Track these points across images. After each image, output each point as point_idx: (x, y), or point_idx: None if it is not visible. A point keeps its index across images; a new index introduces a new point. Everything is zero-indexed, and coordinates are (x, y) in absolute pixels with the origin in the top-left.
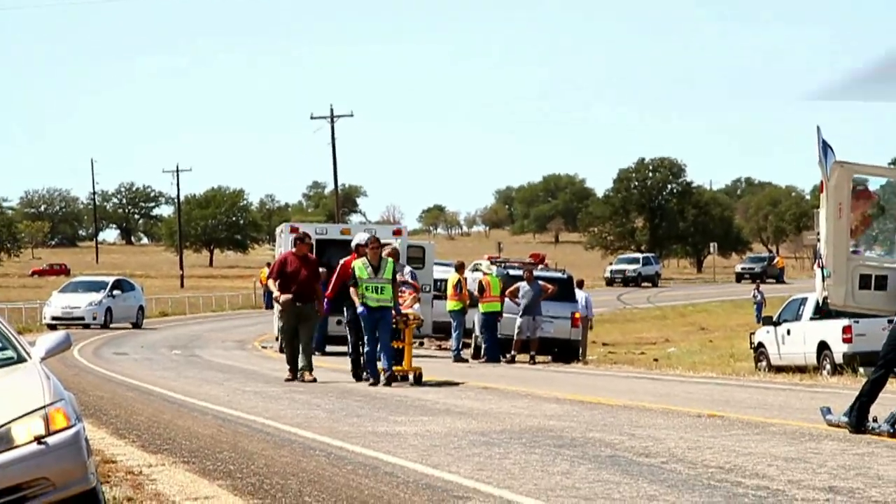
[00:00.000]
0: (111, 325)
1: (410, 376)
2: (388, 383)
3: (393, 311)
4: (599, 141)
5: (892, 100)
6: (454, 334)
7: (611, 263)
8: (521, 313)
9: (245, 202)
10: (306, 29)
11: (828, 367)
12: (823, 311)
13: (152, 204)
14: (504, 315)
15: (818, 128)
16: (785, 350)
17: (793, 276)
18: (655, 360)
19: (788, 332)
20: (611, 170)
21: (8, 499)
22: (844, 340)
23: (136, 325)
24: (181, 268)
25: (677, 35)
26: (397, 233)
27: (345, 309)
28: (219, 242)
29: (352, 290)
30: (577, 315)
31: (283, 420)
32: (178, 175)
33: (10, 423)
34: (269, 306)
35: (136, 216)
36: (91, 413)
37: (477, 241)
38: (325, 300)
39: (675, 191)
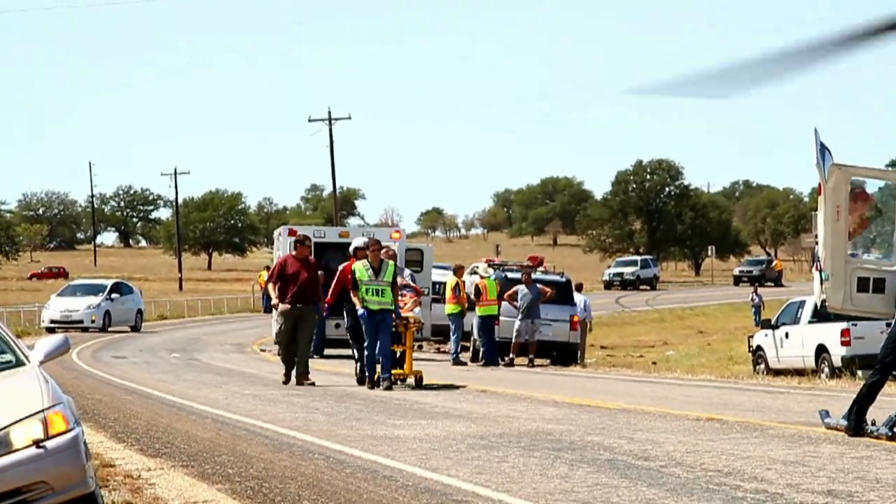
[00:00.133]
0: (110, 329)
1: (411, 379)
2: (388, 388)
3: (393, 315)
4: (597, 143)
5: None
6: (453, 337)
7: (609, 266)
8: (519, 316)
9: (243, 205)
10: (304, 31)
11: (826, 370)
12: (822, 314)
13: (150, 207)
14: (502, 318)
15: (816, 130)
16: (783, 353)
17: (791, 279)
18: (654, 363)
19: (787, 335)
20: (609, 172)
21: (7, 502)
22: (843, 343)
23: (135, 329)
24: (180, 271)
25: (676, 36)
26: (395, 235)
27: (345, 314)
28: (217, 245)
29: (352, 292)
30: (576, 318)
31: (282, 423)
32: (176, 178)
33: (8, 426)
34: (268, 310)
35: (135, 219)
36: (90, 417)
37: (475, 243)
38: (326, 305)
39: (672, 193)
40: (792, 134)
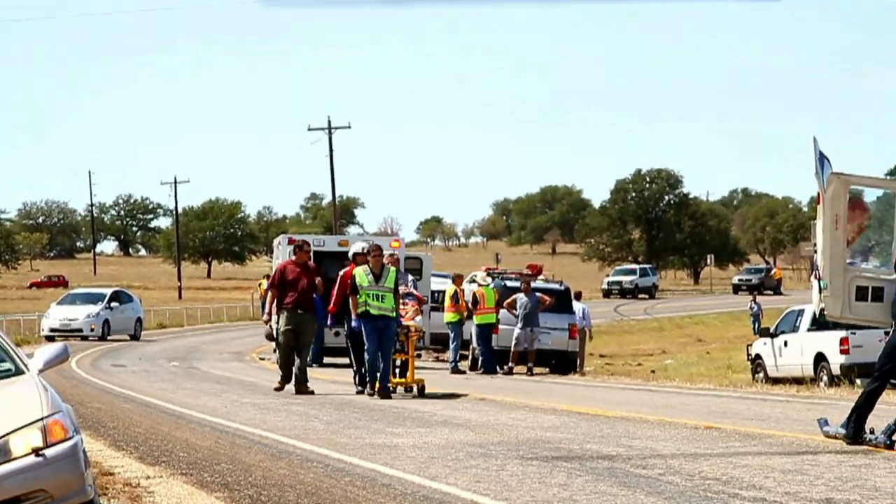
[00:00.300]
0: (109, 337)
1: (414, 388)
2: (384, 396)
3: (394, 322)
4: (596, 152)
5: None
6: (452, 346)
7: (608, 275)
8: (518, 325)
9: (243, 214)
10: (304, 41)
11: (825, 378)
12: (821, 323)
13: (150, 216)
14: (502, 327)
15: (815, 139)
16: (782, 361)
17: (790, 288)
18: (652, 371)
19: (786, 344)
20: (608, 181)
21: None
22: (842, 352)
23: (134, 337)
24: (179, 279)
25: (675, 46)
26: (395, 244)
27: (345, 321)
28: (217, 254)
29: (350, 298)
30: (575, 326)
31: (281, 432)
32: (175, 187)
33: (7, 435)
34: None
35: (134, 228)
36: (89, 425)
37: (474, 252)
38: (329, 313)
39: (671, 202)
40: (791, 143)
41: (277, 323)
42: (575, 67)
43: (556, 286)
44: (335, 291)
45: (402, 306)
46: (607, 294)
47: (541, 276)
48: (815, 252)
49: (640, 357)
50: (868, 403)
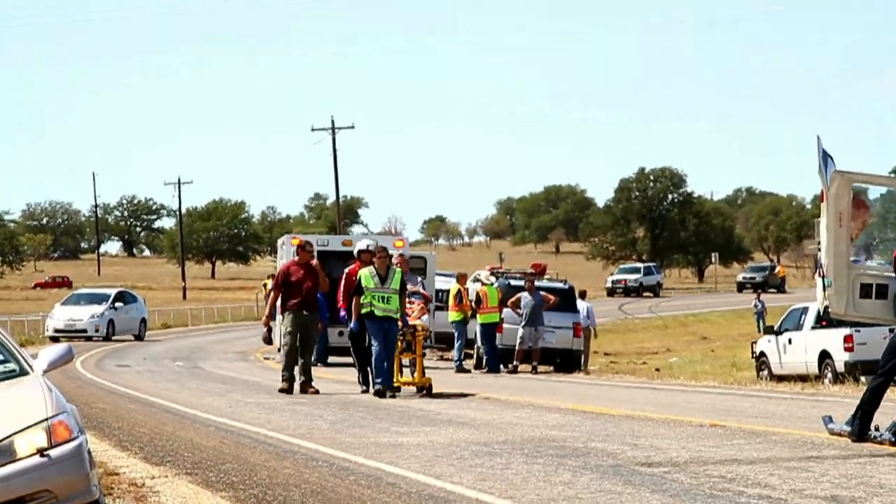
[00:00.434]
0: (113, 338)
1: (423, 388)
2: (379, 395)
3: (400, 323)
4: (600, 151)
5: None
6: (456, 345)
7: (612, 273)
8: (522, 324)
9: (247, 214)
10: (307, 41)
11: (829, 375)
12: (825, 321)
13: (154, 216)
14: (506, 325)
15: (818, 137)
16: (787, 359)
17: (794, 286)
18: (657, 369)
19: (790, 342)
20: (612, 180)
21: None
22: (846, 349)
23: (139, 338)
24: (183, 280)
25: (678, 43)
26: (399, 244)
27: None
28: (220, 254)
29: (354, 299)
30: (579, 325)
31: (286, 431)
32: (179, 187)
33: (12, 435)
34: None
35: (138, 228)
36: (94, 425)
37: (478, 251)
38: (339, 309)
39: (675, 201)
40: (794, 141)
41: (283, 323)
42: (578, 66)
43: (561, 285)
44: (341, 289)
45: (408, 305)
46: (611, 293)
47: (546, 275)
48: (819, 250)
49: (645, 355)
50: (873, 401)
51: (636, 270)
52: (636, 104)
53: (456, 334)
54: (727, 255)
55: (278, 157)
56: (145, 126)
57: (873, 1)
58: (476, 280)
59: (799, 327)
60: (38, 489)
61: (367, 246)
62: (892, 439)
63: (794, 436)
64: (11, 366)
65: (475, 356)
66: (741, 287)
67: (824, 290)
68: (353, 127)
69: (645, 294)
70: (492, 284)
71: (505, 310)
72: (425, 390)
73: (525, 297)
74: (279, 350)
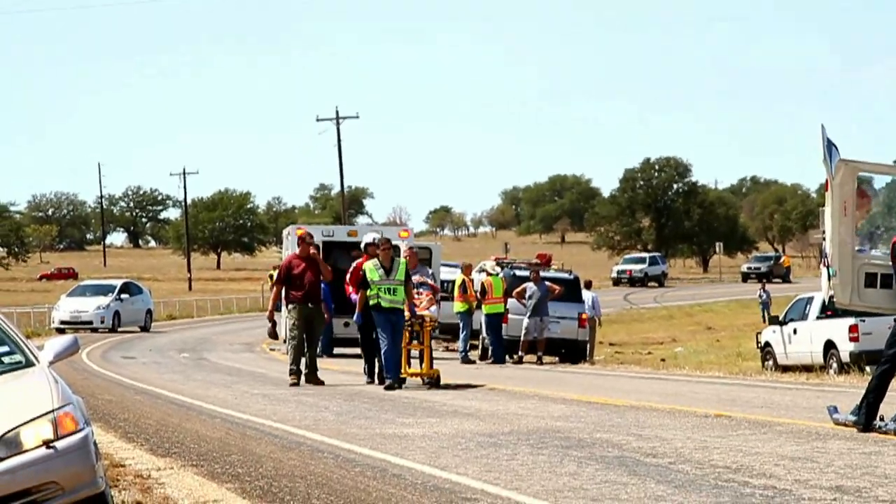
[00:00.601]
0: (119, 329)
1: (431, 379)
2: (389, 388)
3: (408, 314)
4: (605, 141)
5: None
6: (461, 335)
7: (617, 263)
8: (528, 314)
9: (252, 205)
10: (311, 31)
11: (834, 365)
12: (830, 310)
13: (159, 207)
14: (511, 316)
15: (823, 126)
16: (791, 349)
17: (799, 275)
18: (662, 360)
19: (795, 332)
20: (616, 170)
21: (18, 503)
22: (851, 339)
23: (144, 329)
24: (189, 271)
25: (682, 33)
26: (403, 234)
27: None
28: (226, 245)
29: (360, 293)
30: (584, 315)
31: (292, 423)
32: (184, 178)
33: (18, 427)
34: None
35: (144, 219)
36: (99, 417)
37: (483, 241)
38: (351, 296)
39: (680, 190)
40: (799, 130)
41: (288, 317)
42: (583, 57)
43: (566, 275)
44: (350, 280)
45: (416, 296)
46: (617, 282)
47: (553, 265)
48: (824, 239)
49: (650, 345)
50: (879, 390)
51: (641, 260)
52: (641, 94)
53: (461, 325)
54: (732, 245)
55: (283, 148)
56: (151, 117)
57: None
58: (481, 270)
59: (804, 317)
60: (44, 481)
61: (374, 239)
62: None
63: (799, 426)
64: (17, 357)
65: (480, 347)
66: (746, 277)
67: (829, 279)
68: (357, 117)
69: (650, 284)
70: (497, 275)
71: (510, 300)
72: (433, 381)
73: (530, 287)
74: (285, 342)
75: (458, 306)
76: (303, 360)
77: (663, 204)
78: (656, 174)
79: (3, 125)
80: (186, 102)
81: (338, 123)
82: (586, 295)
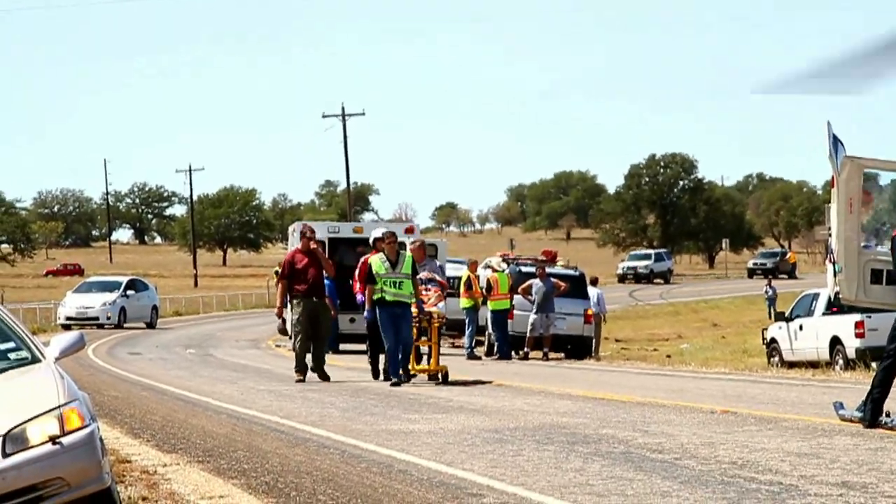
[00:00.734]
0: (125, 325)
1: (439, 375)
2: (395, 384)
3: (415, 310)
4: (611, 138)
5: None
6: (467, 332)
7: (623, 260)
8: (534, 310)
9: (258, 201)
10: (317, 28)
11: (840, 362)
12: (836, 307)
13: (165, 204)
14: (517, 312)
15: (828, 123)
16: (797, 345)
17: (805, 272)
18: (668, 356)
19: (801, 328)
20: (622, 166)
21: (24, 499)
22: (857, 335)
23: (150, 325)
24: (195, 267)
25: (688, 31)
26: (409, 230)
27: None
28: (232, 242)
29: (368, 288)
30: (590, 312)
31: (297, 419)
32: (190, 175)
33: (24, 423)
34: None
35: (150, 216)
36: (105, 413)
37: (489, 238)
38: (358, 295)
39: (686, 187)
40: (805, 127)
41: (293, 312)
42: (590, 53)
43: (572, 272)
44: (358, 277)
45: (424, 292)
46: (622, 279)
47: (559, 261)
48: (830, 236)
49: (656, 342)
50: (884, 385)
51: (647, 257)
52: (646, 91)
53: (467, 321)
54: (738, 242)
55: (289, 145)
56: (157, 114)
57: None
58: (487, 267)
59: (810, 313)
60: (50, 477)
61: (382, 235)
62: None
63: (805, 422)
64: (23, 353)
65: (486, 343)
66: (752, 273)
67: (835, 275)
68: (363, 113)
69: (655, 280)
70: (503, 271)
71: (516, 297)
72: (441, 378)
73: (536, 283)
74: (291, 337)
75: (463, 302)
76: (308, 356)
77: (669, 201)
78: (662, 171)
79: (9, 123)
80: (192, 100)
81: (344, 120)
82: (592, 291)
